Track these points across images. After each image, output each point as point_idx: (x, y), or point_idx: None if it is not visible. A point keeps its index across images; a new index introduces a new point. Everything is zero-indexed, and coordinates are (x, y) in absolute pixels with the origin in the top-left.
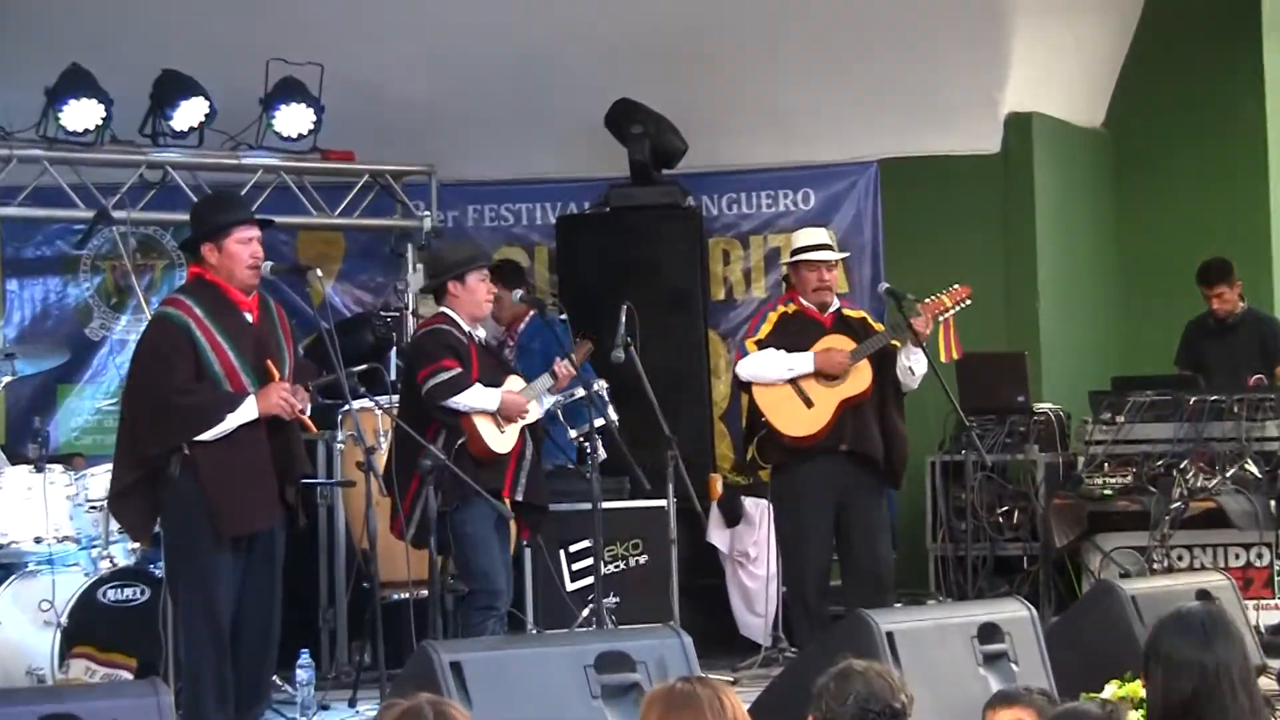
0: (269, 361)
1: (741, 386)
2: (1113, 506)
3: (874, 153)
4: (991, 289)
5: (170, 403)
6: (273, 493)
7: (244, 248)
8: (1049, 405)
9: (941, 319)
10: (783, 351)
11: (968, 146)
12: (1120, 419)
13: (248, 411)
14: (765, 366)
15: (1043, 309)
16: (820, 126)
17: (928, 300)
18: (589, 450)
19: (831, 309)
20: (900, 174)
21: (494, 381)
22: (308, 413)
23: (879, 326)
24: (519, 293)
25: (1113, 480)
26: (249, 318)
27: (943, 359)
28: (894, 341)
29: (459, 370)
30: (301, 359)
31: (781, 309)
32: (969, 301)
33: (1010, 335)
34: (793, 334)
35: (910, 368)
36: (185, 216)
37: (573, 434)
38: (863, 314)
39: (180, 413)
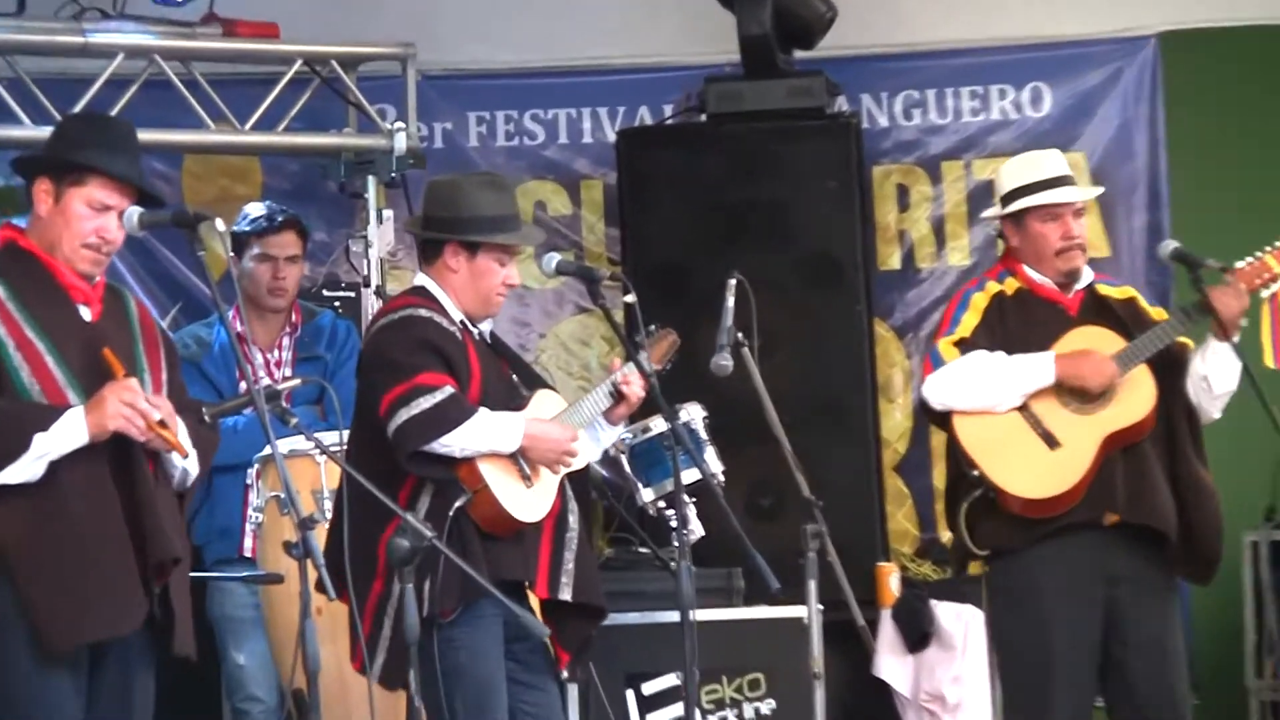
0: (107, 351)
1: (934, 418)
2: None
3: (1151, 21)
4: None
5: None
6: (128, 575)
7: (91, 215)
8: None
9: (1266, 294)
10: (1000, 354)
11: None
12: None
13: (70, 431)
14: (974, 382)
15: None
16: None
17: (1243, 265)
18: (674, 523)
19: (1080, 284)
20: (1196, 56)
21: (509, 402)
22: (178, 431)
23: (1158, 313)
24: (555, 258)
25: None
26: (85, 314)
27: (1269, 362)
28: (1181, 340)
29: (448, 389)
30: (183, 392)
31: (994, 287)
32: None
33: None
34: (1015, 328)
35: (1206, 377)
36: (8, 131)
37: (647, 495)
38: (1130, 292)
39: None
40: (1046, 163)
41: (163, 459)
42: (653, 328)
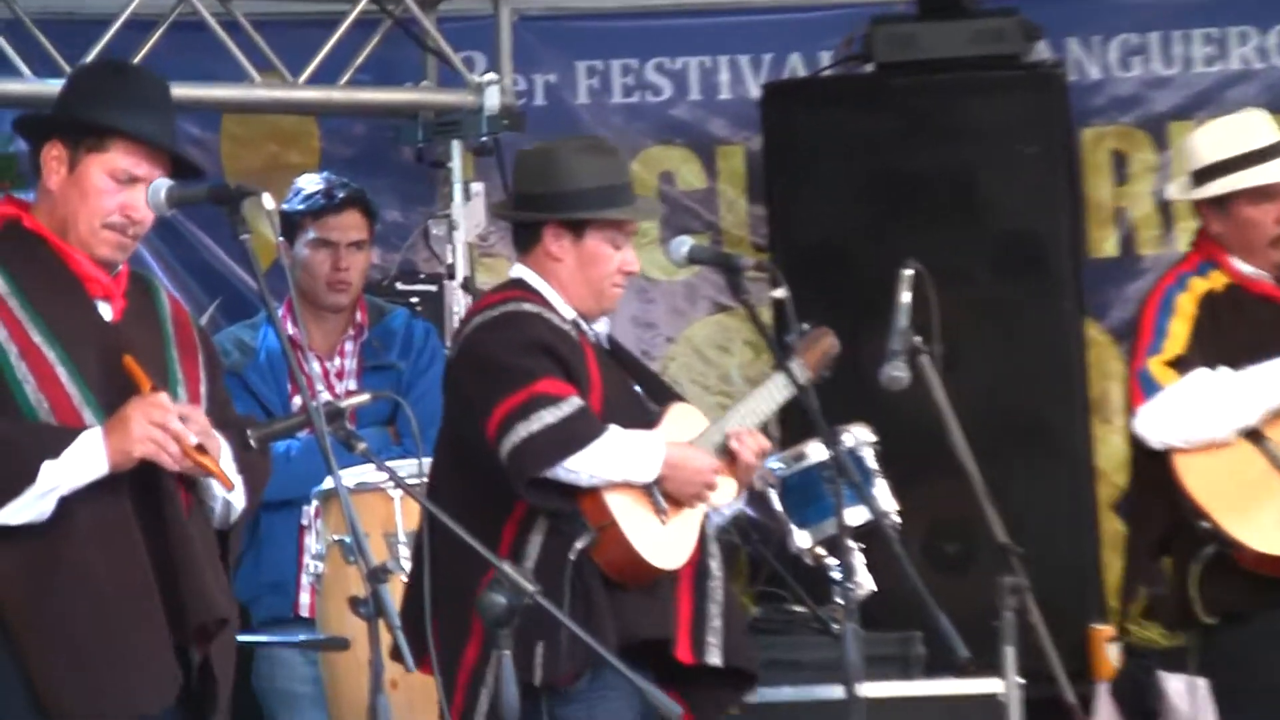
0: (129, 359)
1: (1148, 455)
2: None
3: None
4: None
5: None
6: (157, 640)
7: (114, 189)
8: None
9: None
10: (1224, 371)
11: None
12: None
13: (86, 459)
14: (1201, 410)
15: None
16: None
17: None
18: (836, 575)
19: None
20: None
21: (637, 419)
22: (219, 457)
23: None
24: (686, 243)
25: None
26: (105, 312)
27: None
28: None
29: (574, 400)
30: (227, 407)
31: (1199, 284)
32: None
33: None
34: (1234, 336)
35: None
36: (5, 85)
37: (803, 540)
38: None
39: None
40: (1252, 128)
41: (200, 491)
42: (805, 326)
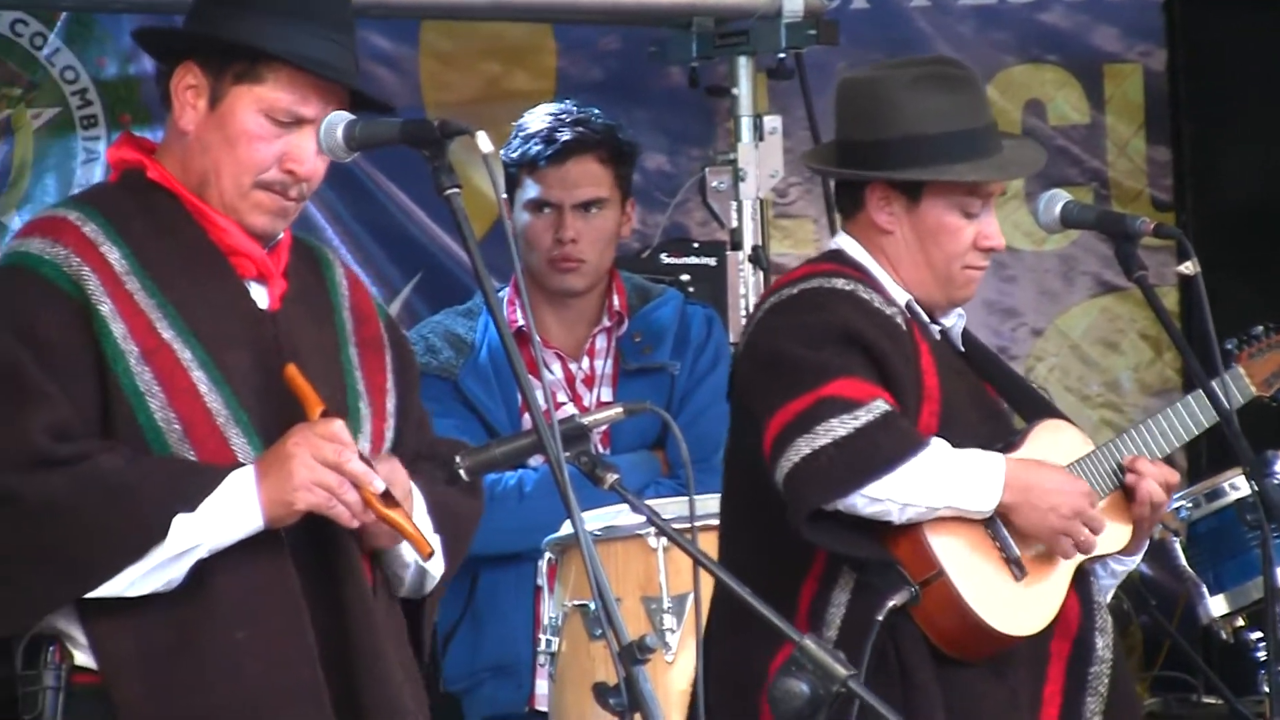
0: (292, 369)
1: None
2: None
3: None
4: None
5: (13, 492)
6: None
7: (273, 134)
8: None
9: None
10: None
11: None
12: None
13: (233, 510)
14: None
15: None
16: None
17: None
18: (1263, 658)
19: None
20: None
21: (990, 440)
22: (414, 512)
23: None
24: (1060, 200)
25: None
26: (259, 297)
27: None
28: None
29: (879, 405)
30: (423, 428)
31: None
32: None
33: None
34: None
35: None
36: None
37: (1218, 606)
38: None
39: (39, 519)
40: None
41: (383, 558)
42: (1259, 330)
